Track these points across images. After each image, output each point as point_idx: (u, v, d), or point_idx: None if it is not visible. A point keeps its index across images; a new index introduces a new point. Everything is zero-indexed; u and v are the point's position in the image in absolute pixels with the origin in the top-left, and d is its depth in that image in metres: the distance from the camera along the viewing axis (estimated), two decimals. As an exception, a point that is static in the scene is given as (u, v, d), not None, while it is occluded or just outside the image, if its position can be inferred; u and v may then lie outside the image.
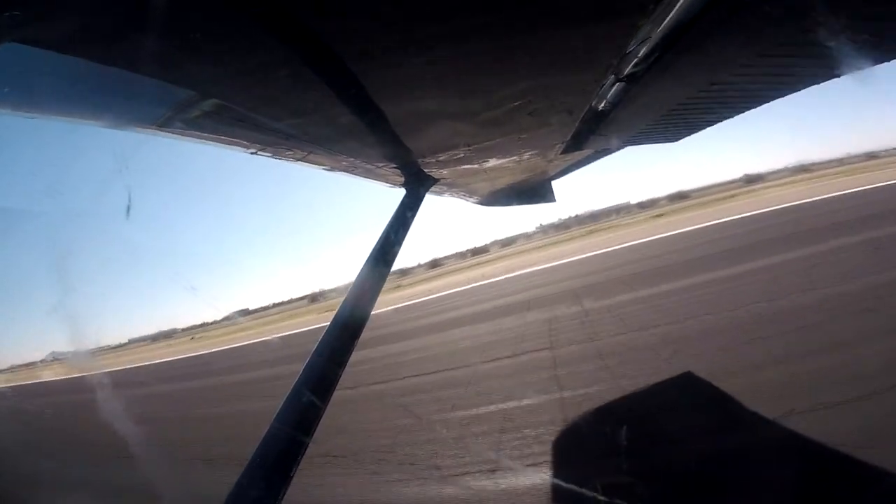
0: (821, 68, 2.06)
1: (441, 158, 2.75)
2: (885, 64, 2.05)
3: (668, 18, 1.41)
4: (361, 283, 2.29)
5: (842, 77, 2.08)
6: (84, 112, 1.17)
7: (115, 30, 0.83)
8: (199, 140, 1.50)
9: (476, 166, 3.26)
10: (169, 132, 1.34)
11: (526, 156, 3.25)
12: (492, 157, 3.05)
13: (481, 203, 5.11)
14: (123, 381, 15.99)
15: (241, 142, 1.65)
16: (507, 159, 3.24)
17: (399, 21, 1.16)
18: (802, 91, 2.32)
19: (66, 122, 1.13)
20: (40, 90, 0.99)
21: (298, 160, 2.03)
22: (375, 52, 1.28)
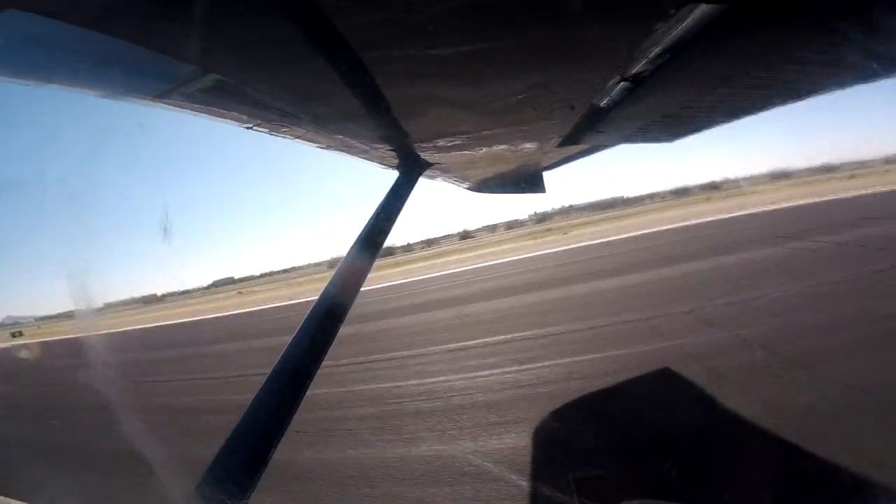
0: (826, 79, 2.08)
1: (438, 144, 2.71)
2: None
3: (682, 23, 1.39)
4: (350, 263, 2.27)
5: (851, 87, 2.10)
6: (82, 81, 1.12)
7: (122, 1, 0.79)
8: (197, 112, 1.45)
9: (472, 153, 3.23)
10: (169, 104, 1.29)
11: (523, 147, 3.24)
12: (489, 146, 3.03)
13: (472, 189, 5.08)
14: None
15: (239, 116, 1.60)
16: (504, 149, 3.22)
17: (407, 8, 1.12)
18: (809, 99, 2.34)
19: (62, 90, 1.08)
20: (40, 57, 0.93)
21: (295, 137, 1.99)
22: (380, 36, 1.24)
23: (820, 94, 2.28)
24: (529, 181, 5.20)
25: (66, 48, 0.92)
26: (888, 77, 2.04)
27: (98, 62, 1.00)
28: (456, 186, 4.69)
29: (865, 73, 1.97)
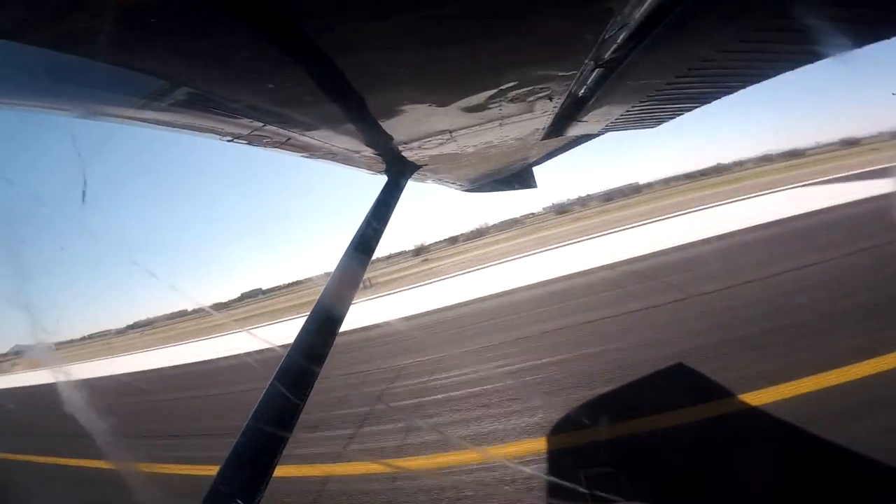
0: (802, 51, 2.09)
1: (422, 145, 2.73)
2: (869, 46, 2.06)
3: (645, 4, 1.42)
4: (342, 271, 2.28)
5: (825, 59, 2.11)
6: (47, 101, 1.13)
7: (81, 18, 0.80)
8: (172, 129, 1.46)
9: (458, 153, 3.25)
10: (141, 121, 1.30)
11: (508, 142, 3.26)
12: (474, 144, 3.04)
13: (463, 189, 5.10)
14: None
15: (217, 129, 1.61)
16: (489, 146, 3.24)
17: (379, 7, 1.14)
18: (779, 76, 2.35)
19: (25, 111, 1.09)
20: (3, 81, 0.95)
21: (276, 147, 2.00)
22: (353, 37, 1.26)
23: (795, 68, 2.29)
24: (520, 178, 5.23)
25: (28, 70, 0.93)
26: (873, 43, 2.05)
27: (61, 81, 1.01)
28: (446, 188, 4.71)
29: (849, 41, 1.99)
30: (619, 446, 4.65)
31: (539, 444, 5.12)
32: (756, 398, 4.87)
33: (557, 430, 5.33)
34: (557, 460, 4.77)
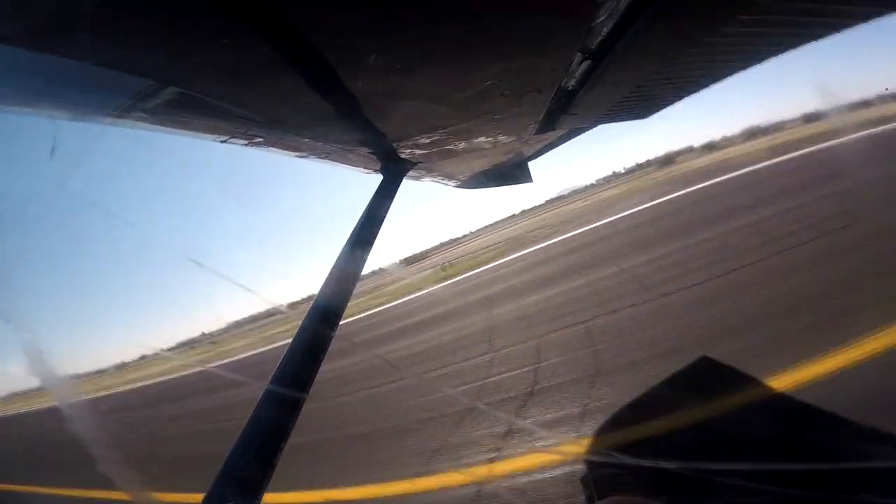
0: (787, 37, 2.10)
1: (417, 142, 2.75)
2: (855, 27, 2.06)
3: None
4: (339, 270, 2.29)
5: (810, 44, 2.12)
6: (29, 103, 1.13)
7: (62, 16, 0.81)
8: (165, 130, 1.47)
9: (452, 149, 3.26)
10: (131, 122, 1.31)
11: (501, 137, 3.27)
12: (467, 140, 3.06)
13: (459, 186, 5.11)
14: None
15: (210, 130, 1.62)
16: (482, 141, 3.25)
17: (369, 3, 1.15)
18: (769, 61, 2.37)
19: (12, 114, 1.09)
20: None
21: (270, 147, 2.01)
22: (343, 35, 1.27)
23: (786, 51, 2.30)
24: (515, 173, 5.24)
25: (16, 72, 0.93)
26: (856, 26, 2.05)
27: (44, 83, 1.01)
28: (441, 185, 4.72)
29: (836, 24, 2.00)
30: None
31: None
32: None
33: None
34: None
